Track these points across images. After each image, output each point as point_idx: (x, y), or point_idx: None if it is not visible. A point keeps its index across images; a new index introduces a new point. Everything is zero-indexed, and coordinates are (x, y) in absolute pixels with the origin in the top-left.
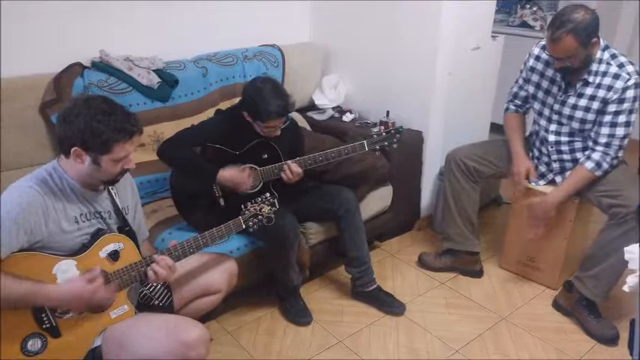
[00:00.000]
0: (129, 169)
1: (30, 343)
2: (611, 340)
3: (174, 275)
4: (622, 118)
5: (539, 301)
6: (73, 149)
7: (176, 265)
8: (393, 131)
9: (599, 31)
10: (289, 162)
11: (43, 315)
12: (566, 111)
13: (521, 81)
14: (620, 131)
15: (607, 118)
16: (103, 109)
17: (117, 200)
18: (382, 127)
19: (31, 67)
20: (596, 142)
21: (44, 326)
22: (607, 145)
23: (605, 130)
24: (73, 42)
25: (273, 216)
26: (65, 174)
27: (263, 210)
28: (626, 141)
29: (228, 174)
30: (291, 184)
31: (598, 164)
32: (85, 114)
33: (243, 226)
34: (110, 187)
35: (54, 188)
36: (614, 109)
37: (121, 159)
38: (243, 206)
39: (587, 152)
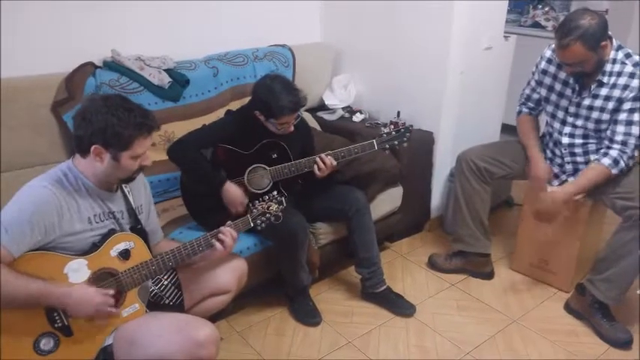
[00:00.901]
0: (146, 165)
1: (42, 342)
2: (624, 344)
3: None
4: (637, 117)
5: (550, 304)
6: (93, 147)
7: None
8: (402, 130)
9: (608, 33)
10: (322, 155)
11: (55, 314)
12: (582, 112)
13: (533, 83)
14: (635, 130)
15: (622, 117)
16: (123, 107)
17: (131, 199)
18: (392, 127)
19: (43, 66)
20: (612, 141)
21: (56, 325)
22: (624, 143)
23: (620, 129)
24: (84, 41)
25: (280, 214)
26: (80, 174)
27: (271, 208)
28: None
29: (231, 193)
30: (302, 184)
31: (615, 161)
32: (106, 112)
33: (252, 224)
34: (124, 186)
35: (69, 188)
36: (629, 107)
37: (139, 155)
38: (250, 204)
39: (602, 150)
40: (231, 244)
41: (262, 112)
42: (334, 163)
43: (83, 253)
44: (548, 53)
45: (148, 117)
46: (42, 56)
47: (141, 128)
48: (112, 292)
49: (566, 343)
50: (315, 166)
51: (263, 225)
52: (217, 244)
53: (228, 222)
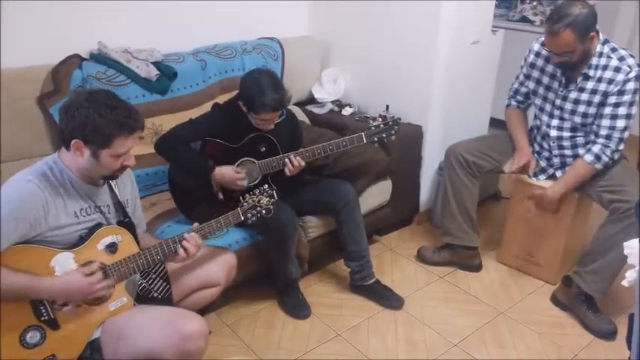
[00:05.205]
0: (129, 165)
1: (29, 335)
2: (609, 335)
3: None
4: (622, 110)
5: (537, 296)
6: (73, 142)
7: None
8: (390, 123)
9: (597, 25)
10: (291, 154)
11: (42, 307)
12: (568, 106)
13: (521, 77)
14: (620, 123)
15: (607, 111)
16: (106, 103)
17: (117, 193)
18: (381, 120)
19: (30, 58)
20: (597, 135)
21: (43, 318)
22: (608, 137)
23: (605, 123)
24: (71, 33)
25: (272, 207)
26: (66, 168)
27: (262, 201)
28: (626, 133)
29: (221, 173)
30: (291, 177)
31: (597, 157)
32: (88, 107)
33: (242, 218)
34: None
35: (54, 182)
36: (614, 101)
37: (120, 155)
38: (241, 198)
39: (587, 145)
40: (194, 252)
41: (245, 104)
42: (302, 163)
43: (70, 246)
44: (536, 47)
45: (131, 116)
46: (28, 48)
47: (122, 127)
48: (96, 265)
49: (552, 335)
50: (286, 168)
51: (254, 219)
52: (181, 251)
53: (195, 225)
